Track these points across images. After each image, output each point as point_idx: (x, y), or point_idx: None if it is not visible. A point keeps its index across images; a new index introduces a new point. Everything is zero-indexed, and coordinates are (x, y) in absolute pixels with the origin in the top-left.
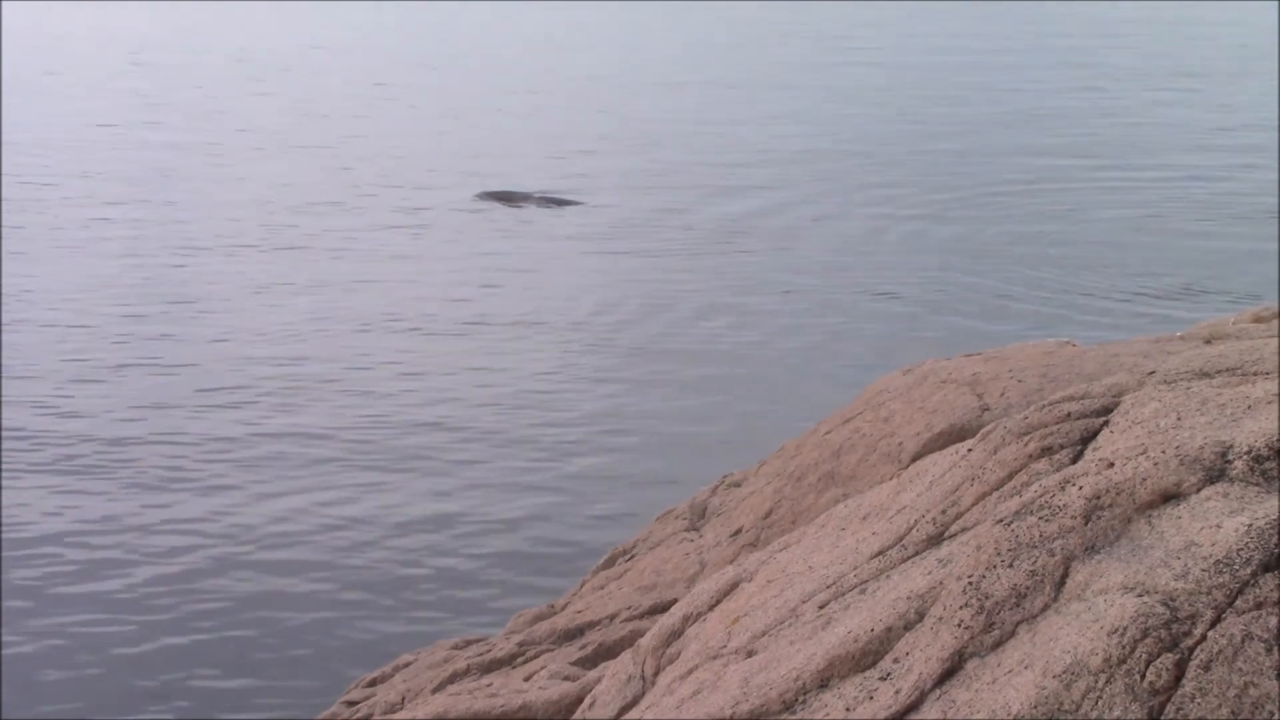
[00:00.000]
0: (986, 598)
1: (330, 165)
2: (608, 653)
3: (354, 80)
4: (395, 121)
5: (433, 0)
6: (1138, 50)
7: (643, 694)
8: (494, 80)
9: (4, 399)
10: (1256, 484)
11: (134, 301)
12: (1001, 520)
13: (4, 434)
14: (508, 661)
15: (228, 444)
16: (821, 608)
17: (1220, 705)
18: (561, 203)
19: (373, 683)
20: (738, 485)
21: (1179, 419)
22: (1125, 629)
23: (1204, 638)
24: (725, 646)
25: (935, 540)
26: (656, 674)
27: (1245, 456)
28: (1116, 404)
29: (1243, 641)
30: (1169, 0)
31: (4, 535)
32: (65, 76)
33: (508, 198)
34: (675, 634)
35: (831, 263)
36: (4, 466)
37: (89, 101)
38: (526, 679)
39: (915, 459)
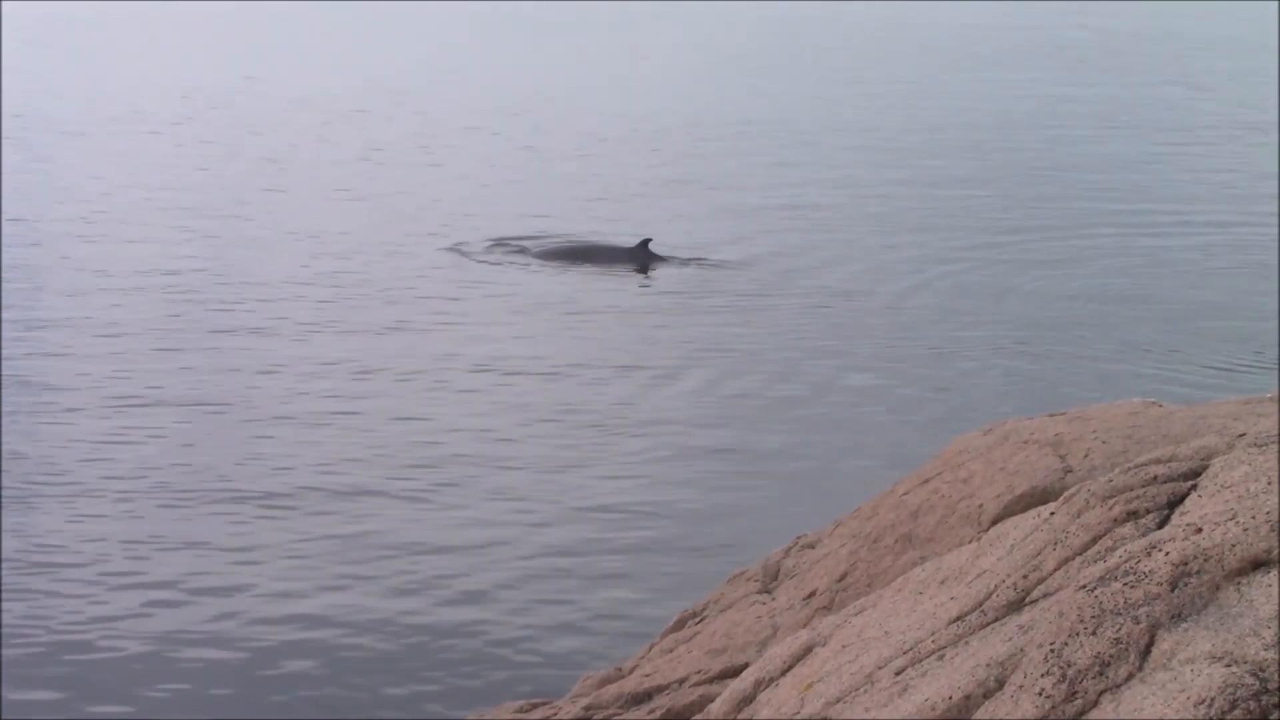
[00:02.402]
0: (1069, 666)
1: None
2: (677, 718)
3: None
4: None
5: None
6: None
7: None
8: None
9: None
10: None
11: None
12: (1085, 586)
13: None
14: None
15: (266, 476)
16: (898, 674)
17: None
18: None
19: None
20: (812, 546)
21: (1269, 483)
22: (1213, 700)
23: None
24: (798, 713)
25: (1016, 606)
26: None
27: None
28: (1205, 467)
29: None
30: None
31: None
32: (116, 122)
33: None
34: (747, 699)
35: (907, 319)
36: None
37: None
38: None
39: (995, 521)
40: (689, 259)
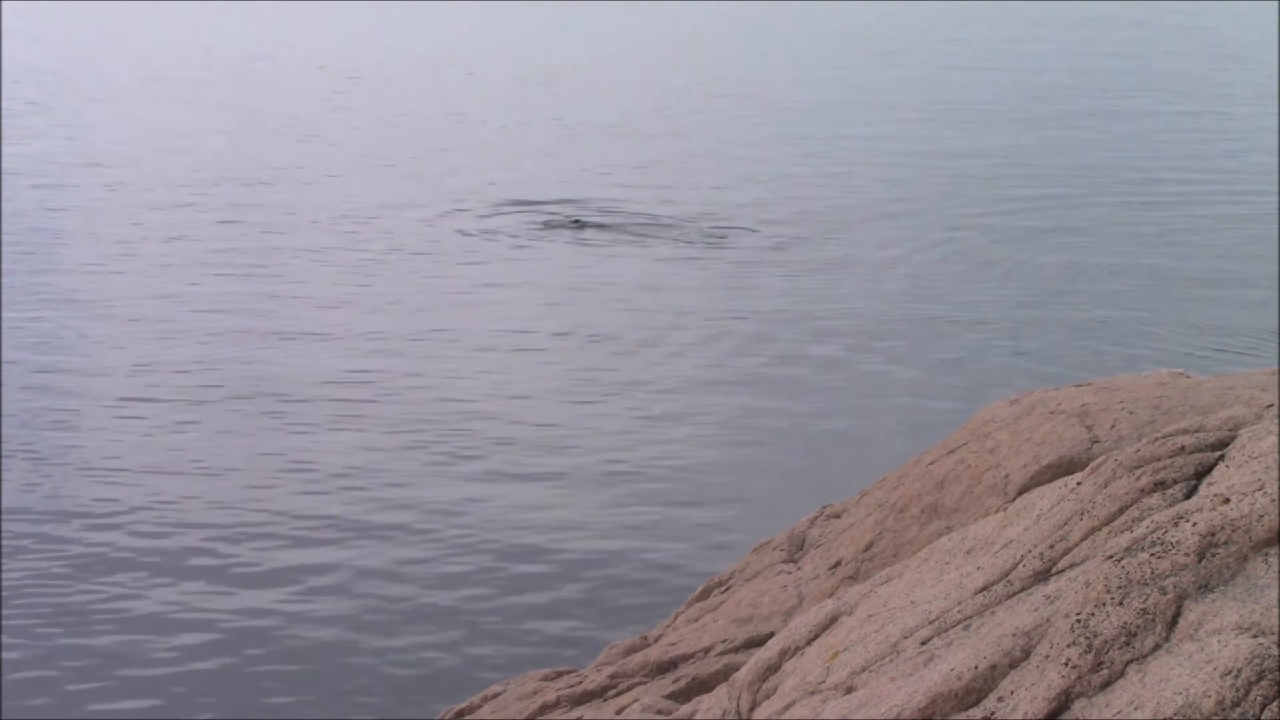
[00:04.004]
0: (1095, 636)
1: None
2: (702, 686)
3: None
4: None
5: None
6: None
7: None
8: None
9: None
10: None
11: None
12: (1111, 556)
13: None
14: (599, 694)
15: (297, 454)
16: (924, 644)
17: None
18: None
19: (461, 713)
20: (838, 516)
21: None
22: (1239, 670)
23: None
24: (824, 682)
25: (1042, 576)
26: (752, 709)
27: None
28: (1232, 438)
29: None
30: None
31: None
32: (143, 86)
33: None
34: (772, 668)
35: (931, 290)
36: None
37: (168, 111)
38: (618, 712)
39: (1022, 492)
40: (715, 228)
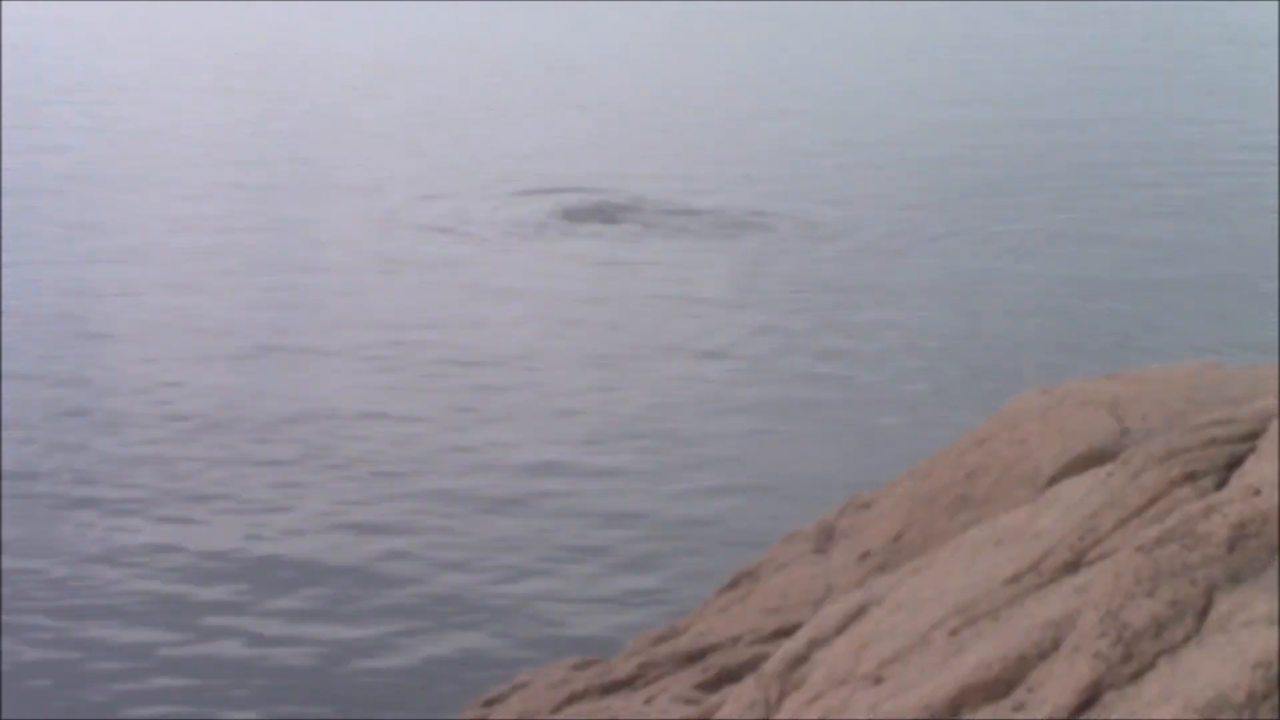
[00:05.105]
0: (1125, 627)
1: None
2: (730, 676)
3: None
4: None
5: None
6: None
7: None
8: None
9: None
10: None
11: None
12: (1142, 547)
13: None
14: (628, 683)
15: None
16: (953, 634)
17: None
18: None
19: (490, 702)
20: (867, 507)
21: None
22: (1271, 663)
23: None
24: (853, 672)
25: (1072, 567)
26: (781, 699)
27: None
28: (1264, 429)
29: None
30: None
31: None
32: (170, 82)
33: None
34: (801, 659)
35: (966, 280)
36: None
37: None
38: (646, 702)
39: (1052, 482)
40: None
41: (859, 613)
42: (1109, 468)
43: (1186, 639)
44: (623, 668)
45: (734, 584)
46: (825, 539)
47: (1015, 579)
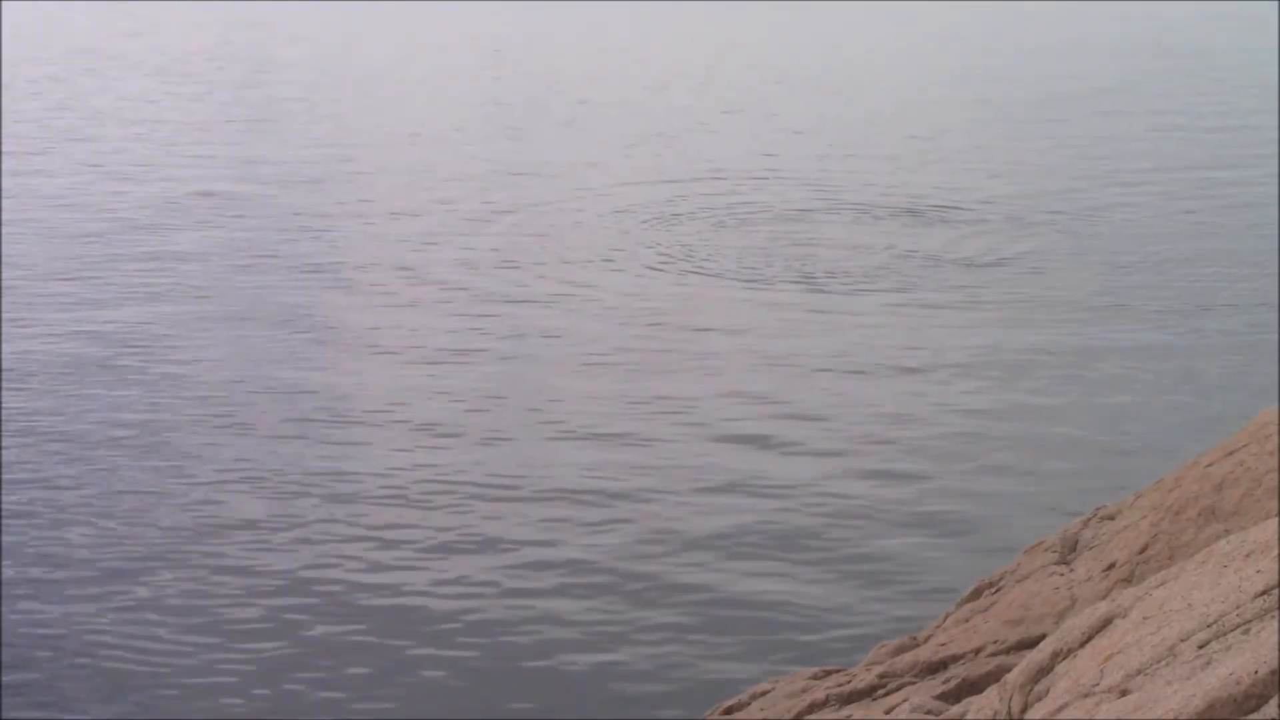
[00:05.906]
0: None
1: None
2: (972, 688)
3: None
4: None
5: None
6: None
7: None
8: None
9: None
10: None
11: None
12: None
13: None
14: (868, 693)
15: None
16: (1201, 647)
17: None
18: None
19: (730, 710)
20: (1111, 518)
21: None
22: None
23: None
24: (1097, 685)
25: None
26: (1024, 711)
27: None
28: None
29: None
30: None
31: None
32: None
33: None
34: (1044, 670)
35: (1215, 287)
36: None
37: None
38: (887, 712)
39: None
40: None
41: (1104, 624)
42: None
43: None
44: (863, 677)
45: (975, 594)
46: (1069, 550)
47: (1266, 592)
